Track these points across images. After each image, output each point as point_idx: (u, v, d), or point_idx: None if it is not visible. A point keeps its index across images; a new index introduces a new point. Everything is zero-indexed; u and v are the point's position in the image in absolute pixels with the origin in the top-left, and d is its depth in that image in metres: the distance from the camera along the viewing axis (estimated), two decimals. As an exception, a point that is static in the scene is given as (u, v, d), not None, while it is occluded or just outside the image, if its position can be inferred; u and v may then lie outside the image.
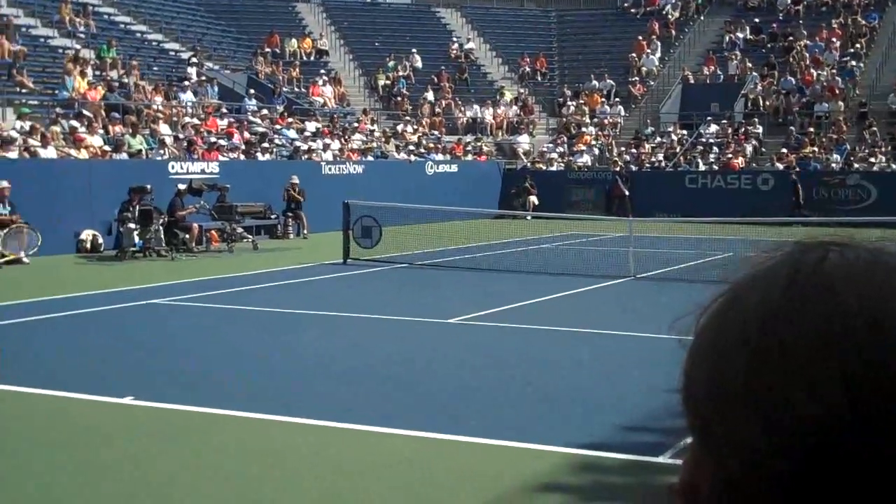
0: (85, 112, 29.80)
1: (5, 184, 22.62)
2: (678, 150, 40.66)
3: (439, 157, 39.69)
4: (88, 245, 24.69)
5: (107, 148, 28.06)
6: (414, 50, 48.80)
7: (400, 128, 41.98)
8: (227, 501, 7.22)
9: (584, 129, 43.88)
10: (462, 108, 45.67)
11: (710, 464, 0.90)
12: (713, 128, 41.82)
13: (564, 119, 45.34)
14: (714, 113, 42.59)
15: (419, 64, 48.39)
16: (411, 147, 39.70)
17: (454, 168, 38.86)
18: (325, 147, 35.24)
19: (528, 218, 34.41)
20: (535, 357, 12.43)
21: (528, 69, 49.26)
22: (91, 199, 25.02)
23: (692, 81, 45.82)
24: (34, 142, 26.03)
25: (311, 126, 37.79)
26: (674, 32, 50.36)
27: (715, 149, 40.21)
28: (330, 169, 33.32)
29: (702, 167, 38.56)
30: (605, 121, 44.61)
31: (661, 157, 40.52)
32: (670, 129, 42.88)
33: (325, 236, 26.71)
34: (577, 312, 15.94)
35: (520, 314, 15.66)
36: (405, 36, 50.83)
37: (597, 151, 42.24)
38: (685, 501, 0.93)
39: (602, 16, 55.01)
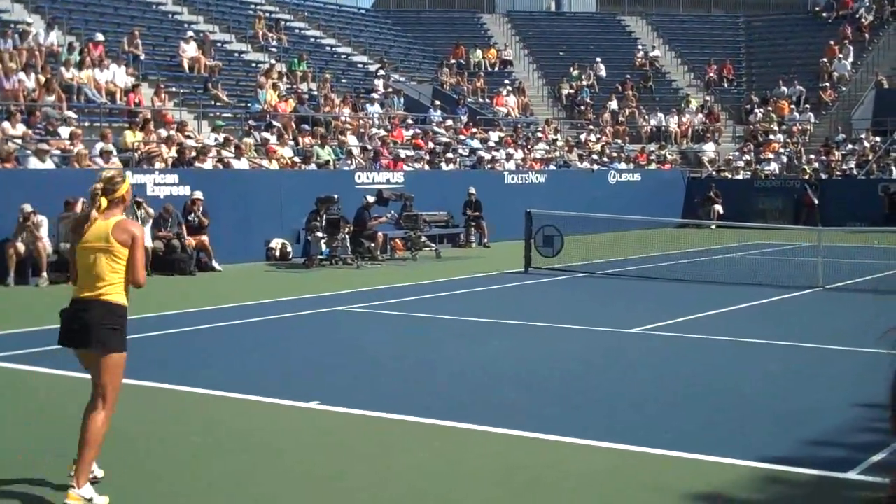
0: (276, 124, 30.71)
1: (199, 195, 23.48)
2: (871, 157, 39.36)
3: (622, 165, 39.44)
4: (278, 253, 25.41)
5: (296, 159, 28.83)
6: (598, 59, 48.66)
7: (583, 137, 41.89)
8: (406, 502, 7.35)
9: (771, 137, 42.94)
10: (646, 117, 45.27)
11: None
12: (909, 134, 40.36)
13: (751, 126, 44.45)
14: (910, 118, 41.10)
15: (603, 73, 48.21)
16: (594, 156, 39.55)
17: (637, 177, 38.54)
18: (508, 156, 35.42)
19: (713, 227, 33.88)
20: (720, 368, 12.24)
21: (714, 76, 48.50)
22: (281, 208, 25.76)
23: (886, 86, 44.28)
24: (228, 153, 26.94)
25: (494, 136, 38.05)
26: (867, 36, 48.77)
27: (910, 156, 38.82)
28: (512, 178, 33.48)
29: (896, 175, 37.30)
30: (794, 128, 43.56)
31: (852, 164, 39.30)
32: (863, 135, 41.56)
33: (507, 245, 26.84)
34: (763, 323, 15.62)
35: (704, 324, 15.43)
36: (589, 45, 50.73)
37: (785, 159, 41.29)
38: None
39: (792, 20, 53.76)
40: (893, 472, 1.12)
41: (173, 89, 31.14)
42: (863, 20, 49.52)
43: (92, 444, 7.12)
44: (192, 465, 8.22)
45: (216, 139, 27.81)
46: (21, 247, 20.09)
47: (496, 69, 47.62)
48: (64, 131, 24.83)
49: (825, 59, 46.85)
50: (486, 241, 30.16)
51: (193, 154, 25.86)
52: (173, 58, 33.76)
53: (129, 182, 7.49)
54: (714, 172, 41.17)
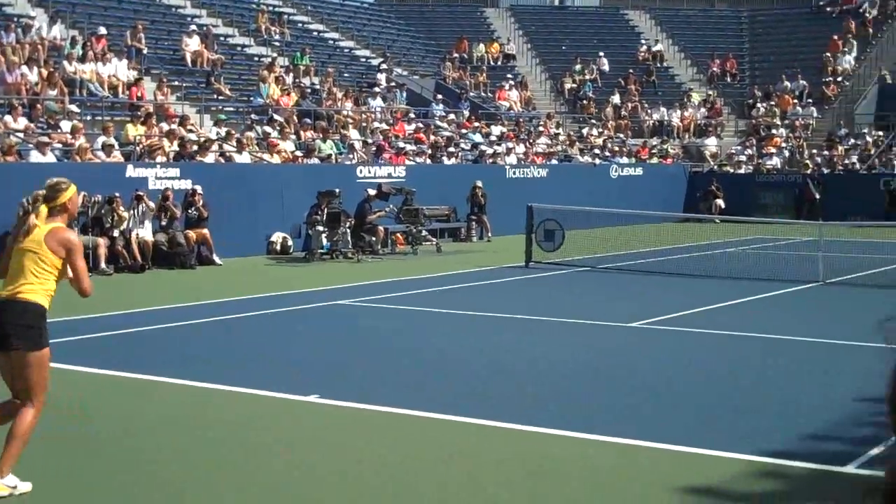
0: (278, 118, 30.71)
1: (198, 188, 23.46)
2: (873, 152, 39.33)
3: (624, 160, 39.41)
4: (278, 247, 25.42)
5: (298, 153, 28.83)
6: (601, 53, 48.58)
7: (585, 131, 41.88)
8: (401, 497, 7.37)
9: (774, 131, 42.89)
10: (648, 111, 45.23)
11: None
12: (911, 129, 40.32)
13: (754, 121, 44.41)
14: (913, 113, 41.04)
15: (606, 67, 48.15)
16: (596, 150, 39.53)
17: (639, 171, 38.51)
18: (510, 151, 35.41)
19: (717, 221, 33.84)
20: (719, 362, 12.25)
21: (717, 70, 48.43)
22: (282, 202, 25.76)
23: (889, 81, 44.22)
24: (230, 147, 26.95)
25: (496, 130, 38.03)
26: (871, 31, 48.67)
27: (913, 151, 38.79)
28: (514, 172, 33.45)
29: (899, 170, 37.27)
30: (797, 122, 43.49)
31: (855, 159, 39.27)
32: (865, 130, 41.51)
33: (508, 239, 26.85)
34: (764, 317, 15.63)
35: (703, 319, 15.44)
36: (592, 39, 50.65)
37: (787, 154, 41.23)
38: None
39: (796, 15, 53.64)
40: (888, 462, 1.11)
41: (176, 83, 31.14)
42: (867, 15, 49.42)
43: (20, 438, 7.14)
44: (187, 457, 8.24)
45: (218, 133, 27.83)
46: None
47: (499, 63, 47.59)
48: (66, 125, 24.86)
49: (828, 54, 46.75)
50: (488, 235, 30.15)
51: (195, 148, 25.88)
52: (176, 52, 33.77)
53: (73, 191, 7.55)
54: (716, 167, 41.13)
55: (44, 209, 7.37)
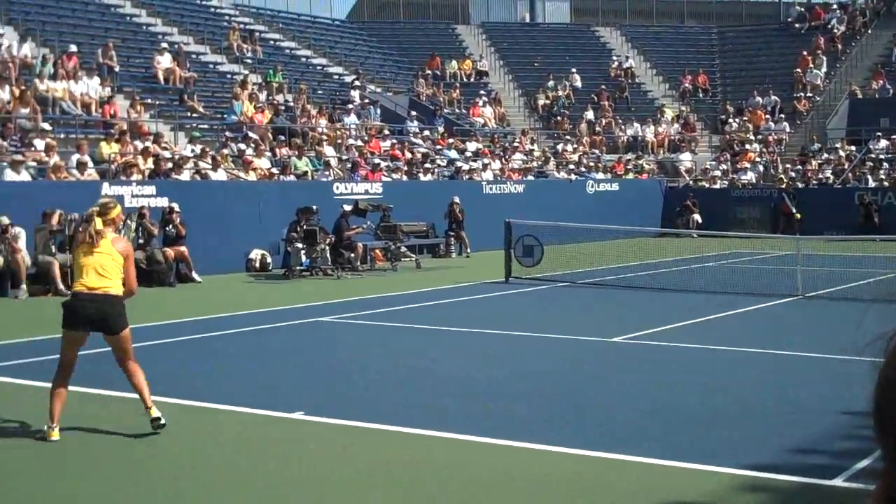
0: (252, 135, 30.62)
1: (175, 206, 23.35)
2: (846, 166, 39.57)
3: (600, 175, 39.50)
4: (257, 264, 25.33)
5: (274, 170, 28.76)
6: (574, 69, 48.76)
7: (560, 147, 41.96)
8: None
9: (747, 146, 43.12)
10: (622, 127, 45.39)
11: None
12: (883, 143, 40.56)
13: (727, 136, 44.64)
14: (884, 128, 41.30)
15: (579, 83, 48.32)
16: (571, 166, 39.61)
17: (615, 186, 38.60)
18: (485, 167, 35.43)
19: (694, 236, 33.90)
20: (701, 377, 12.24)
21: (689, 86, 48.69)
22: (260, 219, 25.68)
23: (860, 96, 44.57)
24: (205, 164, 26.84)
25: (471, 146, 38.06)
26: (840, 47, 49.09)
27: (885, 165, 39.02)
28: (490, 188, 33.48)
29: (871, 184, 37.49)
30: (770, 137, 43.75)
31: (828, 173, 39.50)
32: (837, 145, 41.77)
33: (487, 255, 26.82)
34: (744, 332, 15.65)
35: (684, 333, 15.44)
36: (564, 56, 50.85)
37: (761, 168, 41.46)
38: None
39: (765, 31, 54.07)
40: (877, 487, 1.07)
41: (148, 101, 31.02)
42: (835, 31, 49.85)
43: (144, 383, 9.25)
44: (182, 471, 8.16)
45: (193, 150, 27.72)
46: (-1, 259, 19.96)
47: (472, 80, 47.67)
48: (39, 143, 24.68)
49: (798, 70, 47.10)
50: (467, 251, 30.14)
51: (170, 165, 25.77)
52: (148, 69, 33.65)
53: (119, 209, 9.68)
54: (691, 182, 41.31)
55: (100, 221, 9.18)
